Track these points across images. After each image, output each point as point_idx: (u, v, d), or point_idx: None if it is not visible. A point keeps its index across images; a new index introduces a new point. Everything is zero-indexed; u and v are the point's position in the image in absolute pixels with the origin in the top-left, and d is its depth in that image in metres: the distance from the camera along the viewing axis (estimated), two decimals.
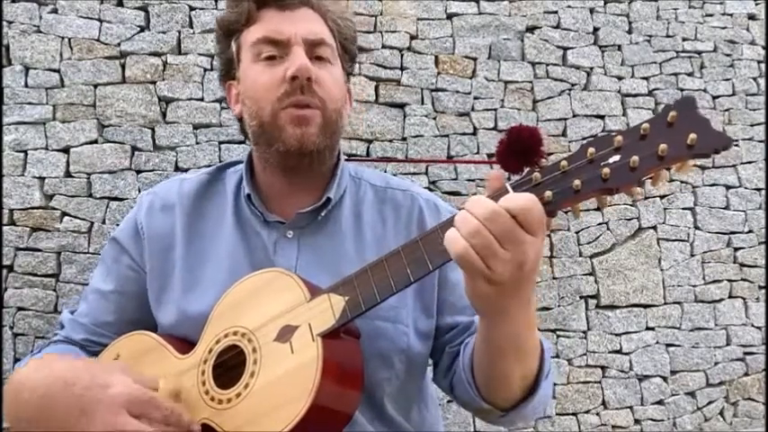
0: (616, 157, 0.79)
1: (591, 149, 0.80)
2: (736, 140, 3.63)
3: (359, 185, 1.29)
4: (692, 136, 0.75)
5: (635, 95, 3.58)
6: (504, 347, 0.94)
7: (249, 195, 1.20)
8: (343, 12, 1.24)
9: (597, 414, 3.35)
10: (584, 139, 3.46)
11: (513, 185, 0.85)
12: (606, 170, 0.78)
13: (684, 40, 3.69)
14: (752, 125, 3.70)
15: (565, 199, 0.81)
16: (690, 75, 3.67)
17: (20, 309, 2.85)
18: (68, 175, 2.95)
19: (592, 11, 3.58)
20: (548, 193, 0.81)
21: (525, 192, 0.81)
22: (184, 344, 1.12)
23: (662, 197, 3.51)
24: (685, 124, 0.76)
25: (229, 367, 1.04)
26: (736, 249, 3.60)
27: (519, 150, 0.84)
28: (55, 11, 3.01)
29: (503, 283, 0.80)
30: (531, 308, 0.91)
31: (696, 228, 3.56)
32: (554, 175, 0.82)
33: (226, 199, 1.25)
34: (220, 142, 3.09)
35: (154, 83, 3.06)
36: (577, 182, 0.80)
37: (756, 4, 3.80)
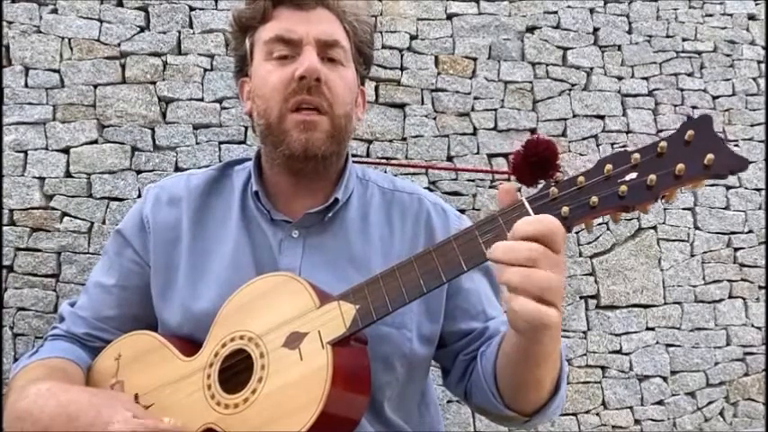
0: (633, 175, 0.79)
1: (608, 166, 0.80)
2: (736, 140, 3.64)
3: (366, 187, 1.28)
4: (710, 156, 0.75)
5: (635, 95, 3.58)
6: (539, 358, 0.95)
7: (257, 193, 1.19)
8: (360, 14, 1.22)
9: (597, 414, 3.35)
10: (584, 139, 3.47)
11: (530, 200, 0.85)
12: (623, 187, 0.78)
13: (684, 40, 3.69)
14: (752, 125, 3.71)
15: (581, 215, 0.81)
16: (690, 75, 3.67)
17: (20, 309, 2.85)
18: (68, 175, 2.95)
19: (592, 11, 3.59)
20: (564, 209, 0.81)
21: (546, 208, 0.82)
22: (187, 344, 1.11)
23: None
24: (702, 144, 0.76)
25: (236, 372, 1.03)
26: (736, 249, 3.61)
27: (536, 163, 0.84)
28: (55, 11, 3.00)
29: None
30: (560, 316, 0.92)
31: (696, 228, 3.57)
32: (571, 190, 0.82)
33: (233, 196, 1.24)
34: (220, 142, 3.09)
35: (154, 83, 3.05)
36: (594, 198, 0.80)
37: (756, 4, 3.81)
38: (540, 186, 0.86)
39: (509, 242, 0.80)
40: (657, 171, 0.77)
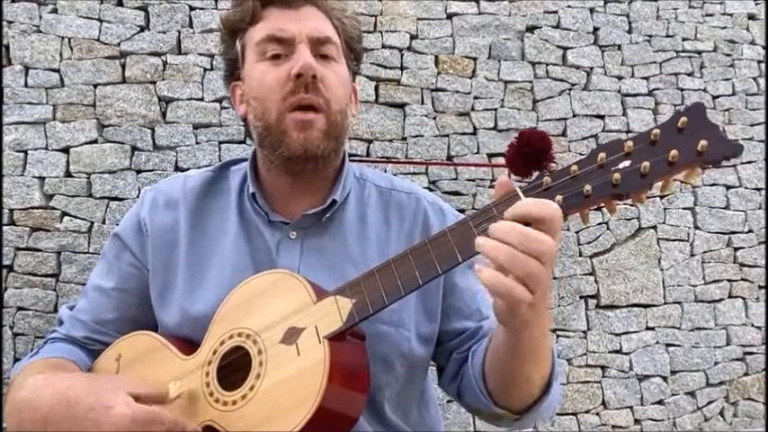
0: (626, 163, 0.78)
1: (601, 154, 0.80)
2: (736, 140, 3.63)
3: (363, 187, 1.27)
4: (703, 143, 0.74)
5: (635, 95, 3.59)
6: (526, 354, 0.95)
7: (254, 194, 1.19)
8: (347, 10, 1.23)
9: (597, 414, 3.35)
10: (584, 139, 3.47)
11: (524, 190, 0.84)
12: (617, 175, 0.78)
13: (684, 40, 3.69)
14: (752, 125, 3.71)
15: (575, 204, 0.81)
16: (690, 75, 3.67)
17: (20, 309, 2.85)
18: (68, 175, 2.95)
19: (592, 11, 3.59)
20: (558, 198, 0.81)
21: (539, 197, 0.81)
22: (187, 344, 1.10)
23: (662, 197, 3.51)
24: (696, 131, 0.76)
25: (234, 369, 1.02)
26: (736, 249, 3.61)
27: (529, 154, 0.84)
28: (55, 11, 3.01)
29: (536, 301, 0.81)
30: (548, 312, 0.91)
31: (696, 228, 3.57)
32: (564, 179, 0.82)
33: (230, 197, 1.23)
34: (220, 142, 3.09)
35: (154, 83, 3.05)
36: (588, 187, 0.79)
37: (756, 4, 3.81)
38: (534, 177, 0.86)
39: (505, 222, 0.79)
40: (651, 158, 0.77)
